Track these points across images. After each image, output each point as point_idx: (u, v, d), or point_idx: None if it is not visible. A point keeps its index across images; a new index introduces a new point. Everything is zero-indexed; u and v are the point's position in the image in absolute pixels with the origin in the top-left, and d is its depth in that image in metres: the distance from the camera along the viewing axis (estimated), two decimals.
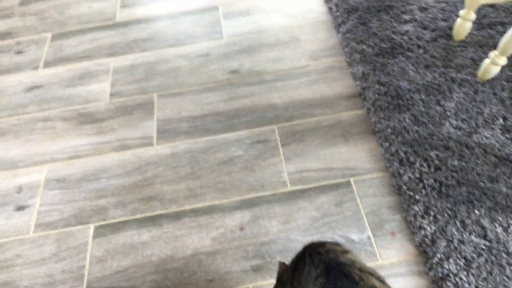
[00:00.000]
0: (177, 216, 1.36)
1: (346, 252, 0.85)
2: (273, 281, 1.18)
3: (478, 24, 1.74)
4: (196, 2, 2.17)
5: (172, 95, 1.75)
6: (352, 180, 1.38)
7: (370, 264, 1.14)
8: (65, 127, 1.68)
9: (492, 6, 1.83)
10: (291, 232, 1.29)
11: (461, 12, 1.65)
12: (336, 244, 0.88)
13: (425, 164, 1.33)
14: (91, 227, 1.36)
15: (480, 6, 1.84)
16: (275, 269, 1.20)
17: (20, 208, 1.44)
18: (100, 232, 1.34)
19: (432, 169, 1.31)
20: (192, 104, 1.70)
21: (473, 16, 1.63)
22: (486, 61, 1.51)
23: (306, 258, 0.85)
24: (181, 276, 1.22)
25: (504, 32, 1.70)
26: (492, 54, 1.48)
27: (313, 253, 0.84)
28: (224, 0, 2.16)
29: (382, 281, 0.80)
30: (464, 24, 1.66)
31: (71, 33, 2.10)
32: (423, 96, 1.53)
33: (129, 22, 2.12)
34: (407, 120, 1.46)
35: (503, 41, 1.43)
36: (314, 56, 1.81)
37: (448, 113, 1.46)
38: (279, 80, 1.73)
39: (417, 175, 1.31)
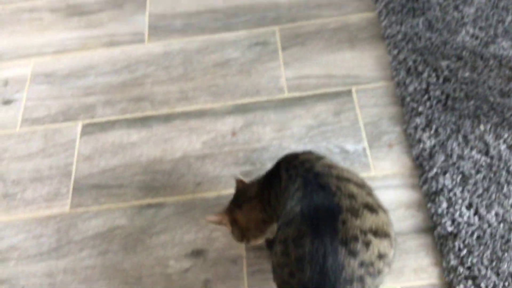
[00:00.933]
0: (167, 118, 1.30)
1: (320, 158, 0.83)
2: None
3: None
4: None
5: None
6: (353, 89, 1.30)
7: (362, 175, 1.10)
8: (52, 19, 1.57)
9: None
10: (285, 139, 1.24)
11: None
12: (309, 152, 0.87)
13: (433, 75, 1.23)
14: (79, 124, 1.32)
15: None
16: None
17: (6, 102, 1.39)
18: (88, 130, 1.30)
19: (441, 80, 1.22)
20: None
21: None
22: None
23: (282, 173, 0.83)
24: (169, 178, 1.20)
25: None
26: None
27: (289, 167, 0.83)
28: None
29: (360, 184, 0.78)
30: None
31: None
32: (441, 0, 1.38)
33: None
34: (421, 26, 1.33)
35: None
36: None
37: (466, 19, 1.33)
38: None
39: (424, 86, 1.22)
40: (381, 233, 0.71)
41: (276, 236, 0.78)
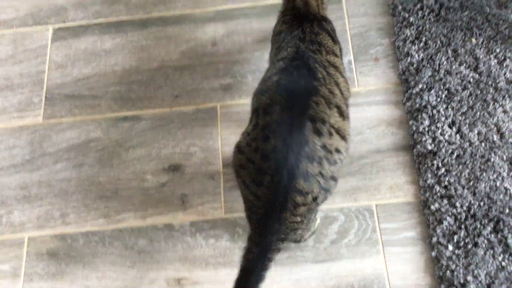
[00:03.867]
0: (143, 24, 1.22)
1: (328, 49, 0.81)
2: (242, 101, 1.11)
3: None
4: None
5: None
6: None
7: None
8: None
9: None
10: (267, 51, 1.17)
11: None
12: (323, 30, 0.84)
13: None
14: (50, 28, 1.24)
15: None
16: (245, 90, 1.13)
17: None
18: (59, 35, 1.23)
19: None
20: None
21: None
22: None
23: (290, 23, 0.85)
24: (145, 89, 1.15)
25: None
26: None
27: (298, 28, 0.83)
28: None
29: (343, 91, 0.77)
30: None
31: None
32: None
33: None
34: None
35: None
36: None
37: None
38: None
39: None
40: (341, 134, 0.72)
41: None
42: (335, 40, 0.85)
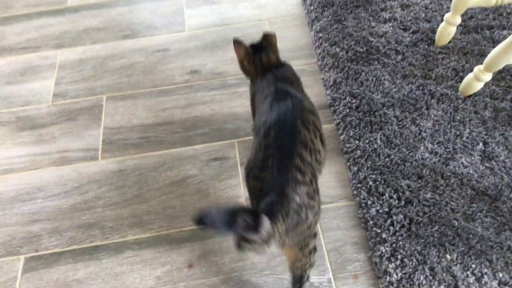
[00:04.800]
0: (118, 249, 1.21)
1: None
2: None
3: (463, 27, 1.58)
4: None
5: (123, 98, 1.57)
6: None
7: None
8: (1, 133, 1.50)
9: None
10: (246, 271, 1.16)
11: (446, 16, 1.48)
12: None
13: (395, 196, 1.20)
14: (21, 259, 1.21)
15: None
16: None
17: None
18: (31, 265, 1.20)
19: (403, 202, 1.18)
20: (145, 109, 1.53)
21: (458, 20, 1.47)
22: (470, 76, 1.36)
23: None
24: None
25: (491, 38, 1.55)
26: (477, 69, 1.34)
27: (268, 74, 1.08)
28: None
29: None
30: (448, 28, 1.50)
31: (16, 18, 1.88)
32: (397, 113, 1.38)
33: (81, 7, 1.90)
34: (379, 141, 1.31)
35: (490, 56, 1.28)
36: (285, 56, 1.63)
37: (424, 134, 1.32)
38: (243, 85, 1.56)
39: (386, 209, 1.18)
40: (316, 129, 0.94)
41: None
42: (296, 76, 1.12)
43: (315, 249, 0.95)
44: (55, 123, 1.51)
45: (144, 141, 1.44)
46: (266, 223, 0.75)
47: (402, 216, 1.16)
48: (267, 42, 1.14)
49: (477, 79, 1.34)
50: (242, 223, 0.72)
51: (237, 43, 1.12)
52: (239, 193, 1.30)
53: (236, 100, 1.53)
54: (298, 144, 0.86)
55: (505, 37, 1.53)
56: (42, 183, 1.36)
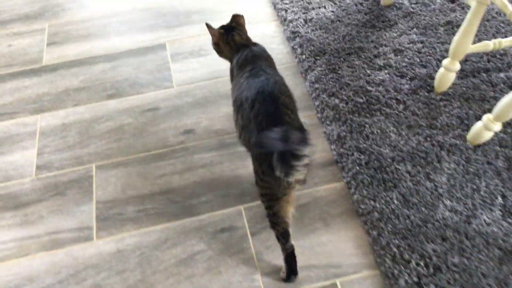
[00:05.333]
0: None
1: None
2: None
3: (460, 71, 1.57)
4: (139, 38, 1.87)
5: (114, 166, 1.45)
6: (338, 281, 1.17)
7: None
8: None
9: None
10: None
11: (445, 62, 1.46)
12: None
13: (422, 263, 1.13)
14: None
15: None
16: None
17: None
18: None
19: (431, 270, 1.12)
20: (140, 177, 1.42)
21: (458, 66, 1.46)
22: (478, 125, 1.34)
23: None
24: None
25: (490, 82, 1.54)
26: (486, 118, 1.31)
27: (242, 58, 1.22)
28: (171, 34, 1.87)
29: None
30: (447, 75, 1.48)
31: None
32: (409, 167, 1.33)
33: (59, 65, 1.78)
34: (395, 201, 1.26)
35: (500, 105, 1.26)
36: None
37: (440, 190, 1.27)
38: None
39: (415, 279, 1.11)
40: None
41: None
42: (267, 53, 1.24)
43: None
44: (41, 200, 1.38)
45: (142, 215, 1.33)
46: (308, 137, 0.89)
47: (434, 286, 1.09)
48: (235, 23, 1.28)
49: (487, 128, 1.31)
50: (295, 138, 0.87)
51: (209, 26, 1.26)
52: (252, 269, 1.20)
53: (237, 161, 1.44)
54: (281, 106, 1.02)
55: (502, 80, 1.53)
56: (32, 272, 1.22)
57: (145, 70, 1.74)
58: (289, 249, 1.11)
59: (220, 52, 1.30)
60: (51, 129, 1.57)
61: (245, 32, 1.29)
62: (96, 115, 1.60)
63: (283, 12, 1.89)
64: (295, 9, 1.89)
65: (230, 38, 1.25)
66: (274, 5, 1.95)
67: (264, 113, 1.00)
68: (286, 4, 1.92)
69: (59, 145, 1.52)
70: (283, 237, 1.09)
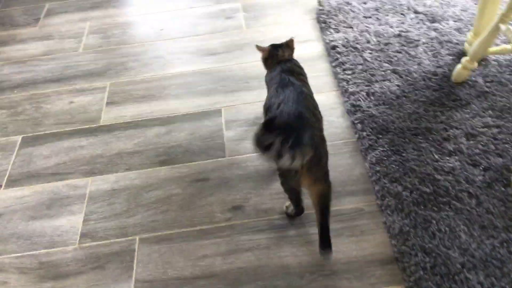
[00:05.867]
0: None
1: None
2: None
3: None
4: (195, 102, 1.85)
5: (157, 241, 1.39)
6: None
7: None
8: (19, 284, 1.32)
9: None
10: None
11: None
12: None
13: None
14: None
15: None
16: None
17: None
18: None
19: None
20: (182, 256, 1.35)
21: None
22: None
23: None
24: None
25: None
26: None
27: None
28: (227, 100, 1.84)
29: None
30: None
31: (45, 137, 1.78)
32: (481, 278, 1.17)
33: (115, 126, 1.79)
34: None
35: None
36: (336, 192, 1.46)
37: None
38: (292, 227, 1.38)
39: None
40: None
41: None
42: (300, 67, 1.42)
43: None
44: (81, 273, 1.33)
45: None
46: None
47: None
48: (285, 44, 1.45)
49: None
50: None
51: (259, 46, 1.46)
52: None
53: (285, 246, 1.34)
54: (303, 106, 1.15)
55: None
56: None
57: (198, 136, 1.71)
58: (301, 211, 1.36)
59: (267, 67, 1.46)
60: (100, 194, 1.55)
61: (291, 53, 1.45)
62: (146, 182, 1.57)
63: (344, 83, 1.81)
64: (357, 81, 1.81)
65: (275, 53, 1.42)
66: (335, 75, 1.88)
67: (287, 110, 1.13)
68: (348, 74, 1.84)
69: (105, 212, 1.49)
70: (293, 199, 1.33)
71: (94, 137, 1.75)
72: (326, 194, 1.19)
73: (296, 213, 1.37)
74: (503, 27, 1.50)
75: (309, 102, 1.21)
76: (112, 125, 1.79)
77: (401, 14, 2.09)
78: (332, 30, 2.07)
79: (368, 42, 1.97)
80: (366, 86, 1.78)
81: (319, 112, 1.26)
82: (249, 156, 1.62)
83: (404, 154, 1.51)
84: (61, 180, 1.60)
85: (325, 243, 1.20)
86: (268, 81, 1.39)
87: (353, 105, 1.71)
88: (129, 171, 1.61)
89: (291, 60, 1.42)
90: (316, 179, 1.16)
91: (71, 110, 1.88)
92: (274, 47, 1.44)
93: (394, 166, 1.47)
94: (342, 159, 1.57)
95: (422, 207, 1.34)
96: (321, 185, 1.18)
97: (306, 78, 1.39)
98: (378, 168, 1.48)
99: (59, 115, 1.86)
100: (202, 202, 1.49)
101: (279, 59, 1.41)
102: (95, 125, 1.80)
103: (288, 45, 1.45)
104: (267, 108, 1.27)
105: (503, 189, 1.37)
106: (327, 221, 1.19)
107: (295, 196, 1.31)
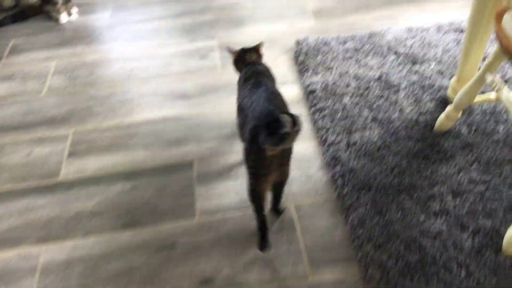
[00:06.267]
0: None
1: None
2: None
3: None
4: (165, 154, 1.72)
5: None
6: None
7: None
8: None
9: None
10: None
11: None
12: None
13: None
14: None
15: None
16: None
17: None
18: None
19: None
20: None
21: None
22: None
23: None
24: None
25: None
26: None
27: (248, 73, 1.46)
28: (200, 149, 1.71)
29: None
30: None
31: None
32: None
33: (76, 182, 1.64)
34: None
35: None
36: (316, 259, 1.34)
37: None
38: None
39: None
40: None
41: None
42: (269, 71, 1.48)
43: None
44: None
45: None
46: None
47: None
48: (254, 48, 1.53)
49: None
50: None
51: (230, 50, 1.55)
52: None
53: None
54: (272, 103, 1.20)
55: None
56: None
57: (166, 193, 1.57)
58: (262, 217, 1.35)
59: (238, 69, 1.53)
60: (53, 266, 1.39)
61: (259, 57, 1.53)
62: (105, 251, 1.42)
63: (323, 132, 1.70)
64: (336, 129, 1.70)
65: (244, 56, 1.50)
66: (314, 121, 1.77)
67: (259, 107, 1.19)
68: (327, 122, 1.73)
69: (59, 287, 1.33)
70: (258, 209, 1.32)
71: (52, 196, 1.60)
72: (287, 174, 1.31)
73: (261, 246, 1.36)
74: (489, 77, 1.41)
75: (279, 101, 1.27)
76: (72, 182, 1.65)
77: (381, 55, 2.01)
78: (310, 72, 1.97)
79: (348, 86, 1.87)
80: (346, 135, 1.67)
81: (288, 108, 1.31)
82: (222, 215, 1.48)
83: (387, 215, 1.39)
84: (12, 249, 1.44)
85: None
86: (240, 79, 1.46)
87: (333, 157, 1.60)
88: (87, 236, 1.46)
89: (261, 64, 1.50)
90: (284, 160, 1.24)
91: (28, 163, 1.72)
92: (244, 51, 1.53)
93: (377, 229, 1.36)
94: (322, 220, 1.45)
95: (409, 280, 1.23)
96: (287, 165, 1.28)
97: (274, 81, 1.46)
98: (360, 231, 1.36)
99: (14, 170, 1.70)
100: (168, 274, 1.35)
101: (247, 62, 1.49)
102: (53, 182, 1.65)
103: (256, 50, 1.53)
104: (240, 108, 1.35)
105: (494, 256, 1.26)
106: (278, 206, 1.44)
107: (259, 204, 1.31)
